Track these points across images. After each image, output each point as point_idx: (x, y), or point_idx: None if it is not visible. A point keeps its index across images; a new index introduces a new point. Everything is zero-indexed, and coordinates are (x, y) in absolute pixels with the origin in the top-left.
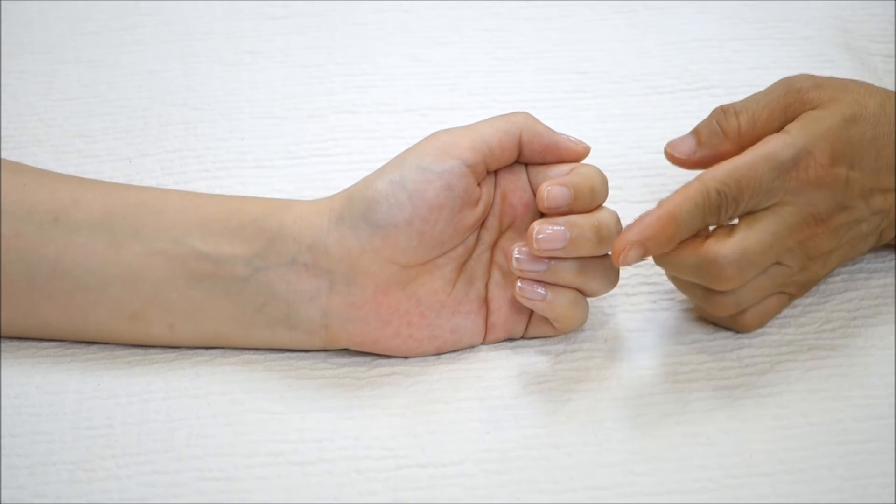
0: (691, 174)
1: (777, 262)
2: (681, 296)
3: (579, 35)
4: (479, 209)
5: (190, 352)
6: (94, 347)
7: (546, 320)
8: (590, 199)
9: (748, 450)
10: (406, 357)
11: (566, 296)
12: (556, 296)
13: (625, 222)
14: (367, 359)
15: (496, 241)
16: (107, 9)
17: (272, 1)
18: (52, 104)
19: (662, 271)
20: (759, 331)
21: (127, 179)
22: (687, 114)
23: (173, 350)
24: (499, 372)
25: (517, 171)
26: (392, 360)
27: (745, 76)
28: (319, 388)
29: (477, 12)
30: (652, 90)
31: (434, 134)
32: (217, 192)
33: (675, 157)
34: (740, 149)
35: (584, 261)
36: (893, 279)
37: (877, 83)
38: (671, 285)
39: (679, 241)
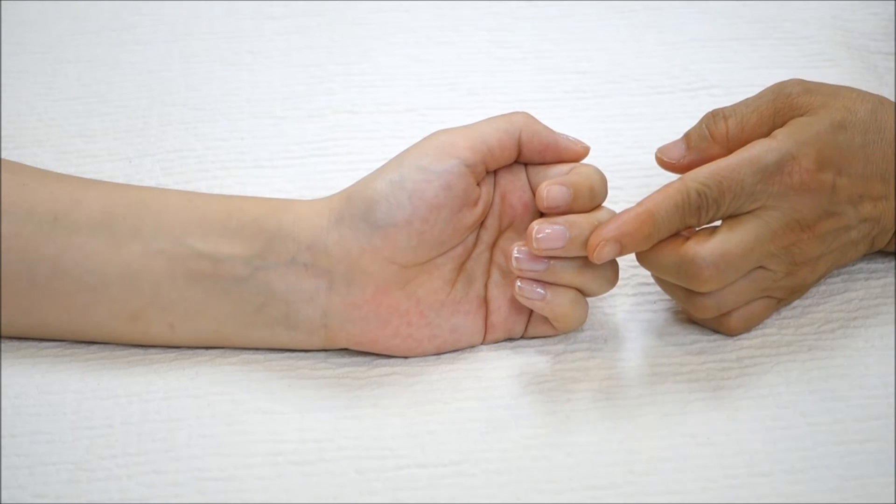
0: None
1: (760, 267)
2: None
3: (579, 35)
4: (479, 209)
5: (190, 352)
6: (94, 347)
7: (546, 320)
8: (589, 199)
9: (748, 450)
10: (406, 357)
11: (566, 295)
12: (556, 295)
13: None
14: (367, 359)
15: (495, 240)
16: (107, 9)
17: (272, 1)
18: (52, 104)
19: None
20: (759, 331)
21: (127, 179)
22: (686, 114)
23: (173, 350)
24: (499, 372)
25: (516, 170)
26: (392, 360)
27: (745, 76)
28: (319, 388)
29: (477, 12)
30: (652, 90)
31: (433, 134)
32: (217, 192)
33: (665, 162)
34: (728, 153)
35: (583, 260)
36: (893, 279)
37: (877, 81)
38: None
39: (657, 239)
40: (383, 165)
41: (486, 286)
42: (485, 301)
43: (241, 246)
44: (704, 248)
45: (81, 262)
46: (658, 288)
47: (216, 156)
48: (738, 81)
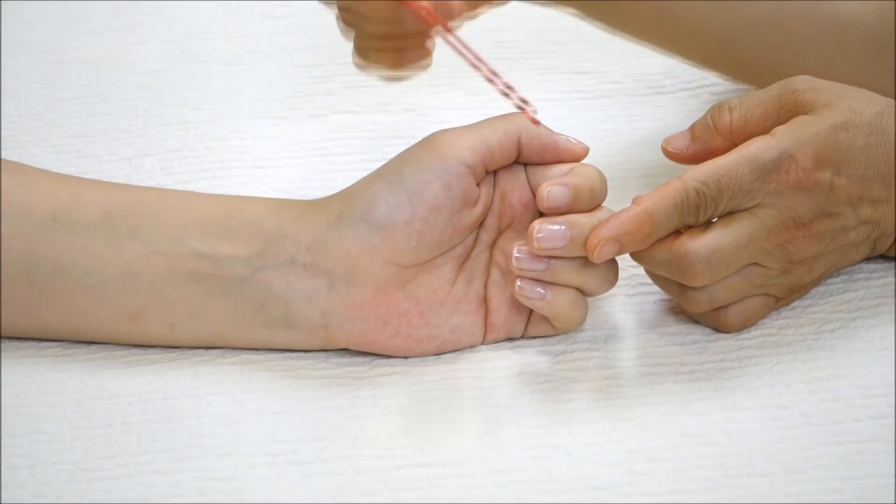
0: None
1: (755, 263)
2: None
3: (579, 35)
4: (478, 209)
5: (190, 352)
6: (94, 347)
7: (545, 319)
8: (590, 199)
9: (748, 450)
10: (406, 357)
11: (566, 295)
12: (556, 295)
13: None
14: (367, 359)
15: (495, 240)
16: (107, 9)
17: (272, 1)
18: (52, 104)
19: None
20: (759, 331)
21: (127, 179)
22: (687, 113)
23: (173, 350)
24: (499, 372)
25: (516, 171)
26: (392, 360)
27: None
28: (319, 388)
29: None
30: (652, 90)
31: (433, 134)
32: (217, 192)
33: (670, 152)
34: (732, 145)
35: (583, 260)
36: (893, 279)
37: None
38: None
39: (655, 238)
40: (383, 165)
41: (485, 286)
42: (484, 301)
43: (240, 246)
44: (697, 244)
45: (81, 262)
46: (658, 288)
47: (216, 156)
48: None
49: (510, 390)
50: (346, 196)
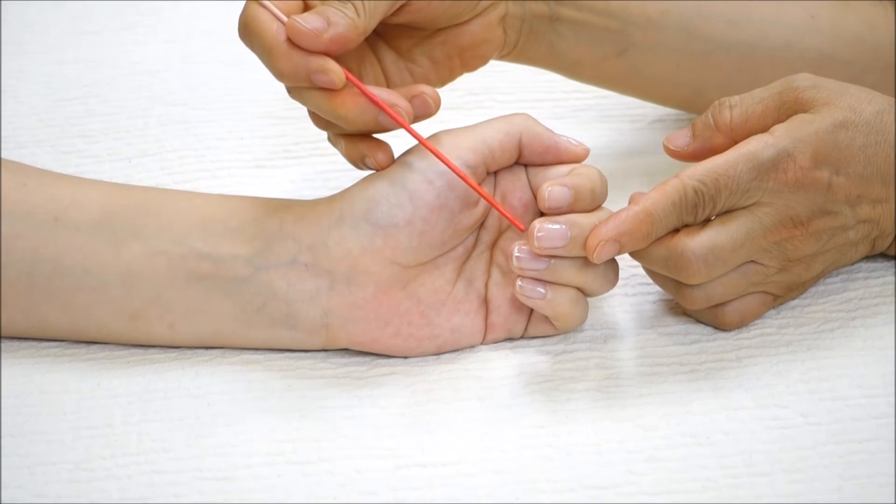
0: None
1: (753, 261)
2: None
3: None
4: (479, 209)
5: (190, 352)
6: (94, 347)
7: (546, 319)
8: (590, 200)
9: (748, 450)
10: (406, 357)
11: (566, 294)
12: (556, 294)
13: None
14: (367, 359)
15: (495, 240)
16: (107, 9)
17: None
18: (52, 104)
19: None
20: (759, 331)
21: (127, 179)
22: (687, 112)
23: (173, 350)
24: (499, 372)
25: (517, 171)
26: (392, 360)
27: None
28: (319, 387)
29: None
30: None
31: (434, 134)
32: (217, 192)
33: (671, 150)
34: (732, 142)
35: (584, 260)
36: (893, 279)
37: None
38: None
39: (655, 238)
40: None
41: (486, 286)
42: (485, 301)
43: (241, 246)
44: (694, 241)
45: (81, 262)
46: (658, 288)
47: (216, 156)
48: None
49: (510, 390)
50: (347, 196)
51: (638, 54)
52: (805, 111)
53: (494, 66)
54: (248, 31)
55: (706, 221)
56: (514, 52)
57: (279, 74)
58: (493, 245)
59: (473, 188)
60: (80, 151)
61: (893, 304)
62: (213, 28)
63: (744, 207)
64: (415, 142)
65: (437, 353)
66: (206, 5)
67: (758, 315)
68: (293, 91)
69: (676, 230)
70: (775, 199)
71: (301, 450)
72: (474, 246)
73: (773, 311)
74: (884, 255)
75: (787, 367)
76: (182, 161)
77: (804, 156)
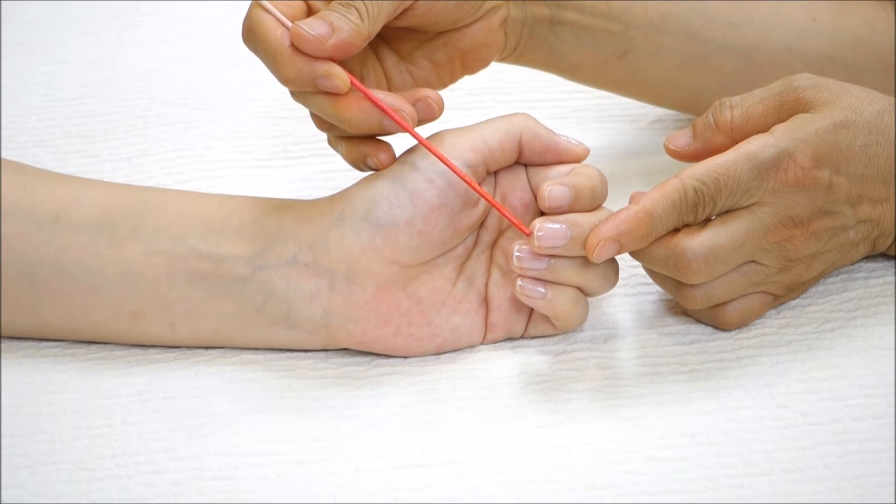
0: None
1: (753, 261)
2: None
3: None
4: (479, 209)
5: (190, 352)
6: (94, 347)
7: (546, 319)
8: (590, 200)
9: (747, 450)
10: (406, 356)
11: (566, 294)
12: (557, 294)
13: None
14: (367, 358)
15: (495, 240)
16: (107, 9)
17: None
18: (52, 104)
19: None
20: (759, 331)
21: (127, 179)
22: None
23: (173, 350)
24: (499, 372)
25: (517, 171)
26: (392, 360)
27: None
28: (319, 387)
29: None
30: None
31: (434, 134)
32: (217, 192)
33: (672, 150)
34: (733, 142)
35: (584, 259)
36: (893, 278)
37: None
38: None
39: (654, 237)
40: None
41: (486, 286)
42: (485, 300)
43: (241, 245)
44: (694, 241)
45: (82, 262)
46: (658, 288)
47: (216, 156)
48: None
49: (510, 390)
50: (347, 195)
51: (639, 57)
52: (805, 111)
53: (494, 66)
54: (253, 37)
55: (706, 221)
56: (515, 54)
57: (284, 80)
58: (494, 245)
59: (478, 192)
60: (80, 151)
61: (893, 304)
62: (213, 28)
63: (744, 207)
64: (415, 141)
65: (437, 353)
66: (206, 5)
67: (758, 315)
68: (297, 95)
69: (676, 230)
70: (776, 199)
71: (301, 450)
72: (474, 245)
73: (773, 311)
74: (884, 255)
75: (787, 367)
76: (182, 161)
77: (804, 156)
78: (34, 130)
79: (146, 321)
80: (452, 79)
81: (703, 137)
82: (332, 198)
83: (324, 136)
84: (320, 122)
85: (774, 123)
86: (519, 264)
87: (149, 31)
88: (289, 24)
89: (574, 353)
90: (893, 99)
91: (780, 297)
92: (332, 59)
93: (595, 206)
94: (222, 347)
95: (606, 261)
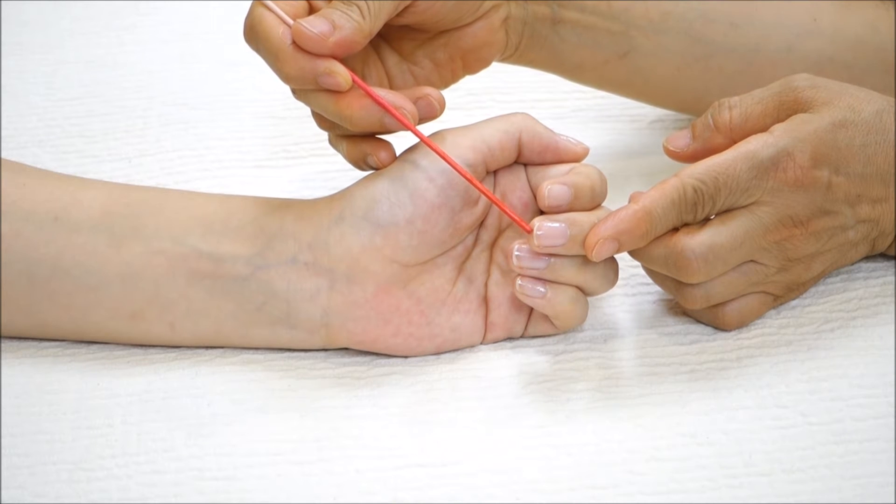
0: None
1: (752, 261)
2: None
3: None
4: (479, 209)
5: (190, 352)
6: (94, 347)
7: (546, 318)
8: (590, 199)
9: (747, 450)
10: (406, 356)
11: (566, 293)
12: (556, 293)
13: None
14: (367, 358)
15: (495, 240)
16: (107, 9)
17: None
18: (52, 104)
19: None
20: (759, 331)
21: (127, 179)
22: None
23: (173, 350)
24: (499, 372)
25: (516, 170)
26: (392, 360)
27: None
28: (319, 387)
29: None
30: None
31: (434, 134)
32: (217, 191)
33: (671, 151)
34: (732, 142)
35: (584, 259)
36: (893, 278)
37: None
38: None
39: (654, 236)
40: None
41: (486, 285)
42: (485, 300)
43: (241, 245)
44: (694, 240)
45: (81, 262)
46: (658, 288)
47: (216, 156)
48: None
49: (510, 390)
50: (347, 195)
51: (640, 57)
52: (804, 111)
53: (495, 66)
54: (255, 35)
55: (706, 220)
56: (516, 54)
57: (286, 77)
58: (493, 244)
59: (477, 187)
60: (80, 151)
61: (893, 304)
62: (213, 28)
63: (743, 206)
64: (416, 140)
65: (437, 353)
66: (206, 5)
67: (758, 315)
68: (299, 93)
69: (676, 229)
70: (775, 199)
71: (301, 450)
72: (474, 245)
73: (773, 311)
74: (884, 255)
75: (787, 367)
76: (182, 161)
77: (804, 155)
78: (34, 130)
79: (146, 321)
80: (454, 78)
81: (703, 138)
82: (332, 197)
83: (324, 136)
84: (322, 120)
85: (773, 124)
86: (518, 263)
87: (149, 31)
88: (290, 21)
89: (574, 353)
90: (892, 99)
91: (780, 297)
92: (334, 57)
93: (594, 205)
94: (222, 347)
95: (606, 260)
